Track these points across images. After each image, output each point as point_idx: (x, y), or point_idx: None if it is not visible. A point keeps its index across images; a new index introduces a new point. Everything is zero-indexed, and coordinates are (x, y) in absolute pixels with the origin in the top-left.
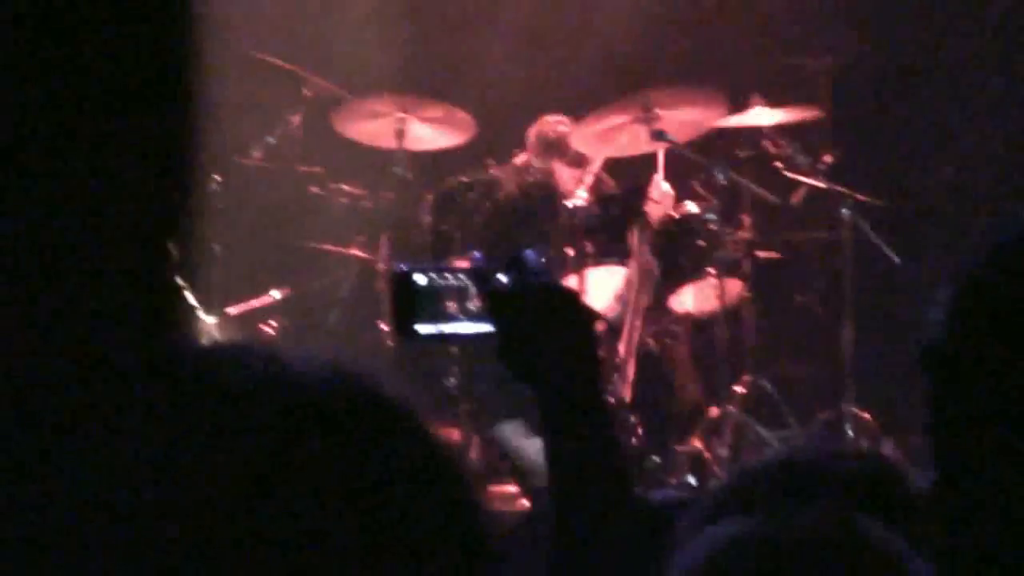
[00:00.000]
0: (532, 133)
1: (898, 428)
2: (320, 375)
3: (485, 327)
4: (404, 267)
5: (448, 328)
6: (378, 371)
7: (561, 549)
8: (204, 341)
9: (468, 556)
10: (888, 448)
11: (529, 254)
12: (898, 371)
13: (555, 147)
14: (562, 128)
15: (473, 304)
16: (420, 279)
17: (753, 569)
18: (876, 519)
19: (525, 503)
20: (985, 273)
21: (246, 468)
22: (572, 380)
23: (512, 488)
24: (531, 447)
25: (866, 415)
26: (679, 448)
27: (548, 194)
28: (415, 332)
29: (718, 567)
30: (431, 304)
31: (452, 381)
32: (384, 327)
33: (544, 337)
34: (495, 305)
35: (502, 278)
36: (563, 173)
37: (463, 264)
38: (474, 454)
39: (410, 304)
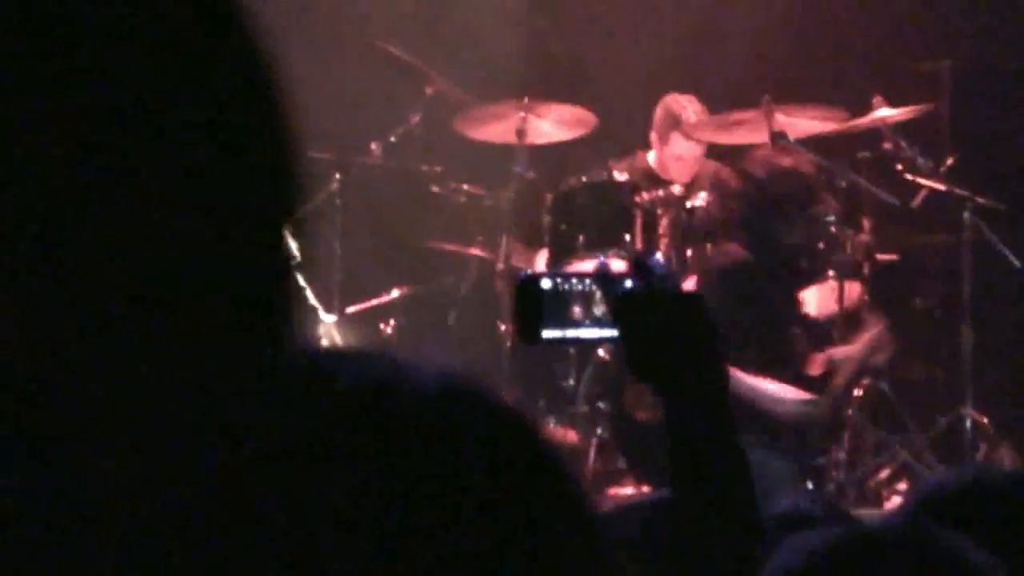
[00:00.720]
0: (660, 107)
1: (1016, 432)
2: (435, 383)
3: (610, 332)
4: (530, 272)
5: (573, 333)
6: (494, 374)
7: (680, 559)
8: (324, 341)
9: (582, 560)
10: (1006, 452)
11: (655, 259)
12: (1018, 375)
13: (679, 121)
14: (690, 105)
15: (599, 309)
16: (546, 283)
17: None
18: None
19: None
20: None
21: (358, 477)
22: (698, 386)
23: (630, 491)
24: None
25: (984, 419)
26: None
27: (672, 197)
28: (540, 337)
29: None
30: (557, 309)
31: (570, 383)
32: (502, 327)
33: (671, 343)
34: (621, 310)
35: (628, 283)
36: (678, 148)
37: (589, 269)
38: (591, 456)
39: (536, 309)
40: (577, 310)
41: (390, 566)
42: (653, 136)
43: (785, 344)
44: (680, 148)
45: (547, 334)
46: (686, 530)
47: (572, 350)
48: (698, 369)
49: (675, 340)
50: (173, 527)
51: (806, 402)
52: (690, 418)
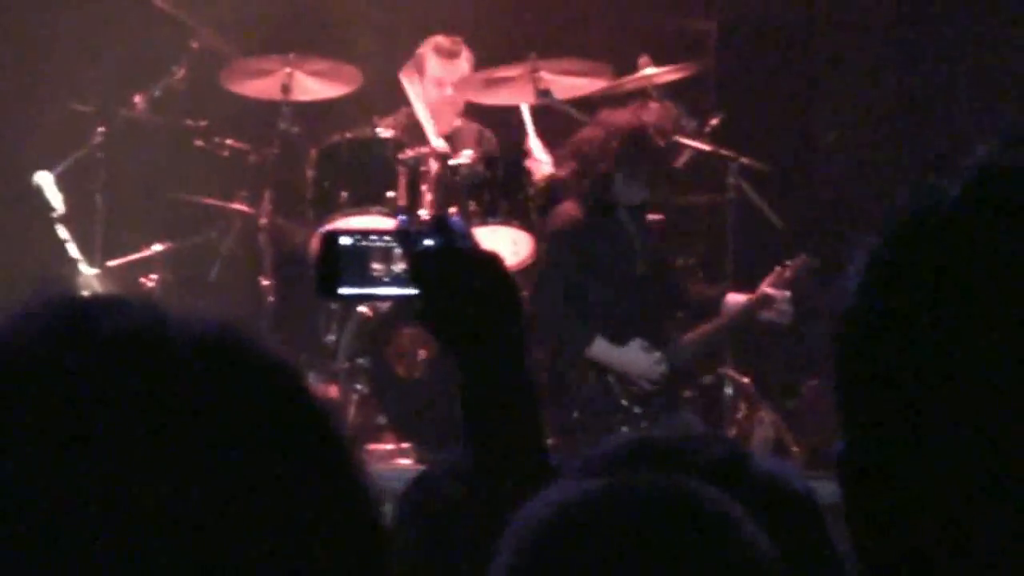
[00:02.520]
0: (428, 45)
1: (774, 393)
2: (199, 327)
3: (409, 289)
4: (330, 228)
5: (371, 290)
6: (255, 329)
7: (477, 512)
8: (84, 293)
9: (348, 515)
10: (765, 412)
11: (456, 218)
12: (778, 336)
13: (453, 53)
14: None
15: (398, 266)
16: (345, 240)
17: (589, 524)
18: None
19: (403, 461)
20: (901, 241)
21: (120, 419)
22: (495, 345)
23: (390, 446)
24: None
25: (745, 379)
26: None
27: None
28: (338, 293)
29: (557, 521)
30: (356, 266)
31: (331, 338)
32: (264, 282)
33: (469, 301)
34: (421, 268)
35: (428, 242)
36: (436, 70)
37: (389, 226)
38: (352, 411)
39: (335, 265)
40: (377, 267)
41: (154, 522)
42: (409, 74)
43: (632, 303)
44: (437, 70)
45: (345, 290)
46: (480, 489)
47: (333, 305)
48: (497, 328)
49: (474, 298)
50: None
51: (656, 361)
52: (487, 377)
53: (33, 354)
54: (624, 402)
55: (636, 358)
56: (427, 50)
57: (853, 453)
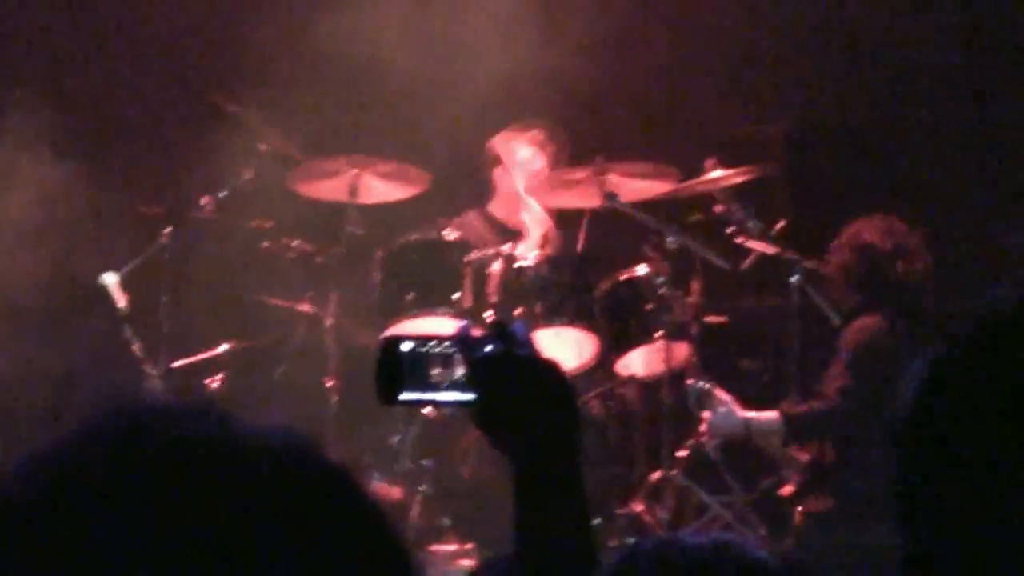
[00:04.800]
0: (514, 135)
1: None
2: (263, 439)
3: (469, 395)
4: (390, 335)
5: (431, 395)
6: (320, 430)
7: None
8: (150, 395)
9: None
10: None
11: (517, 325)
12: None
13: (519, 137)
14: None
15: (458, 372)
16: (406, 346)
17: None
18: None
19: (465, 562)
20: (959, 351)
21: (184, 532)
22: (551, 453)
23: (453, 547)
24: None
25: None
26: (620, 511)
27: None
28: (398, 399)
29: None
30: (416, 371)
31: (395, 439)
32: (329, 383)
33: (527, 408)
34: (480, 374)
35: (489, 347)
36: (520, 153)
37: (450, 332)
38: (415, 512)
39: (396, 371)
40: (436, 372)
41: None
42: (495, 171)
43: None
44: (522, 153)
45: (405, 396)
46: None
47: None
48: (553, 437)
49: (532, 406)
50: None
51: None
52: (542, 486)
53: (99, 467)
54: None
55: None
56: (513, 139)
57: (916, 556)
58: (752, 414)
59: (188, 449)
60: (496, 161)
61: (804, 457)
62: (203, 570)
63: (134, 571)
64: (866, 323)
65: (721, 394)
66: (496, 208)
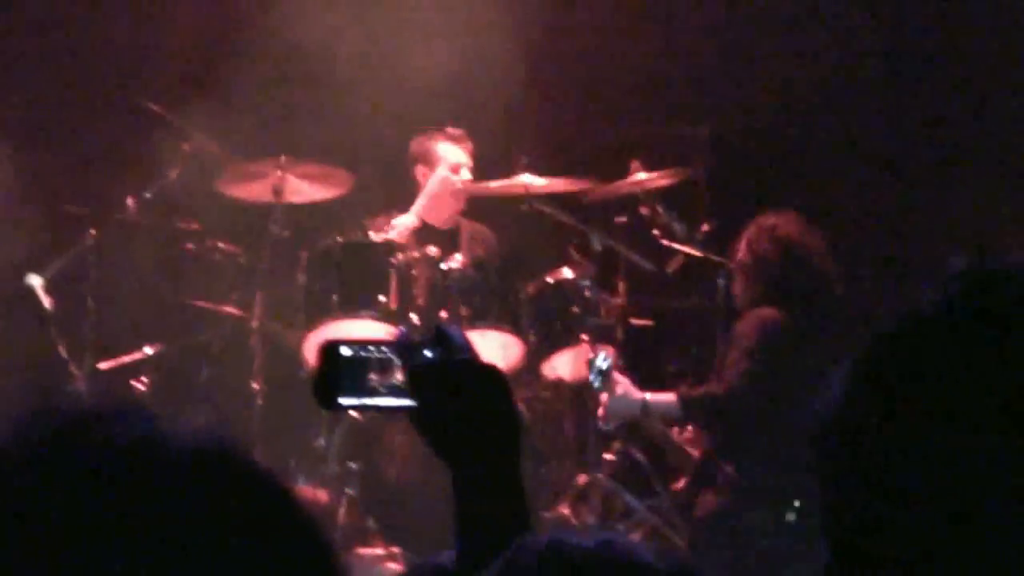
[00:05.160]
0: (436, 137)
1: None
2: (189, 443)
3: (407, 401)
4: (330, 339)
5: (370, 400)
6: (245, 432)
7: None
8: (74, 396)
9: None
10: None
11: (454, 330)
12: None
13: (464, 139)
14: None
15: (396, 378)
16: (345, 351)
17: None
18: None
19: (392, 566)
20: (887, 349)
21: (108, 539)
22: (492, 458)
23: (379, 551)
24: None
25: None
26: (546, 514)
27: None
28: (337, 403)
29: None
30: (355, 376)
31: (321, 441)
32: (255, 385)
33: (466, 414)
34: (418, 380)
35: (428, 353)
36: (451, 155)
37: (389, 338)
38: (342, 515)
39: (335, 375)
40: (375, 378)
41: None
42: (418, 168)
43: None
44: (453, 156)
45: (344, 400)
46: None
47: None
48: (494, 441)
49: (471, 411)
50: None
51: None
52: (481, 492)
53: (25, 473)
54: None
55: None
56: (437, 140)
57: (837, 553)
58: (649, 395)
59: (113, 452)
60: (418, 160)
61: (696, 453)
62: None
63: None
64: (768, 313)
65: (619, 376)
66: (421, 210)
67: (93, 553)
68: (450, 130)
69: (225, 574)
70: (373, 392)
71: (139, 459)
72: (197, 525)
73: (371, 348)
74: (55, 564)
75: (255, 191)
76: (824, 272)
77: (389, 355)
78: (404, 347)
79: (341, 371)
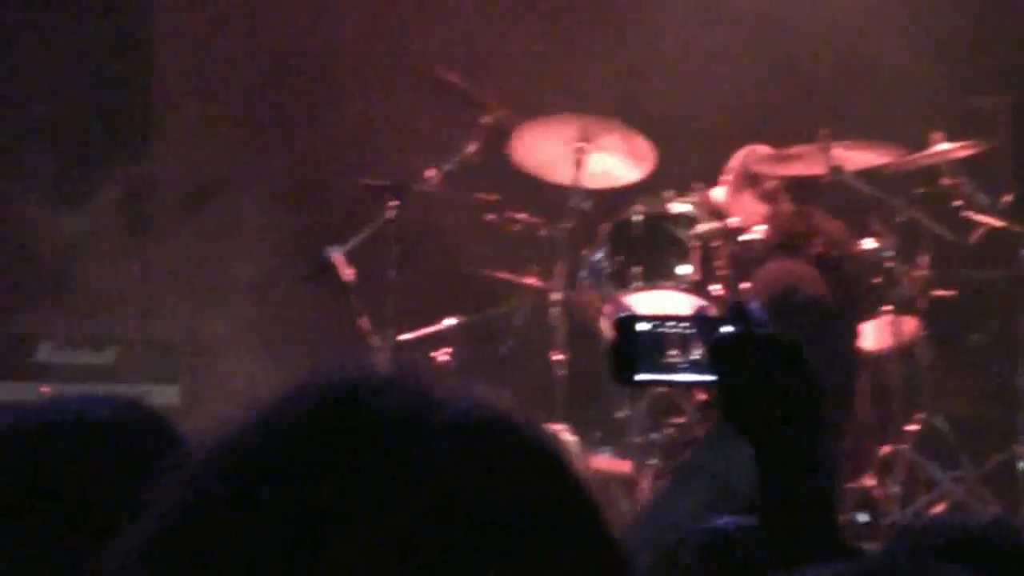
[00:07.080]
0: (740, 159)
1: None
2: (462, 411)
3: (707, 376)
4: (627, 314)
5: (668, 376)
6: (547, 404)
7: None
8: (376, 368)
9: None
10: None
11: (754, 305)
12: None
13: (755, 181)
14: (766, 165)
15: (696, 353)
16: (643, 326)
17: None
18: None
19: None
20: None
21: (372, 502)
22: (793, 434)
23: None
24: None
25: None
26: (850, 485)
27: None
28: (635, 380)
29: None
30: (652, 351)
31: (624, 412)
32: (556, 357)
33: (769, 391)
34: (720, 353)
35: (726, 328)
36: (749, 206)
37: (687, 313)
38: (644, 486)
39: (632, 350)
40: (673, 353)
41: None
42: (727, 180)
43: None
44: (750, 207)
45: (641, 376)
46: (771, 558)
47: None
48: (796, 420)
49: (774, 388)
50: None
51: None
52: (783, 468)
53: (293, 437)
54: None
55: None
56: (745, 186)
57: None
58: None
59: (385, 422)
60: (748, 183)
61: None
62: (396, 548)
63: (330, 536)
64: None
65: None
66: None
67: (346, 519)
68: (770, 151)
69: (500, 539)
70: (670, 367)
71: (406, 428)
72: (465, 493)
73: (669, 323)
74: (304, 532)
75: (554, 163)
76: None
77: (687, 330)
78: (703, 321)
79: (637, 346)
